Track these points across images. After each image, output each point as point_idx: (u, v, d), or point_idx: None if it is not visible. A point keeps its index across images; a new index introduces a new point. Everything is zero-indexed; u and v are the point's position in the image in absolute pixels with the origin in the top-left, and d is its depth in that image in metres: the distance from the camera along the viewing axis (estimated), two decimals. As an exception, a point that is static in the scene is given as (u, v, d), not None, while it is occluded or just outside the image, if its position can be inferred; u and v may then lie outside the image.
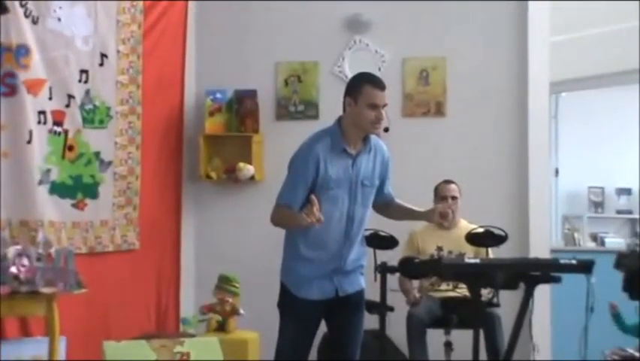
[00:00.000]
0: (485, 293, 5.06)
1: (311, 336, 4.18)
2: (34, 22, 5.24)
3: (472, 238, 5.26)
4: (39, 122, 5.29)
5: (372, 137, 4.17)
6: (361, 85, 4.05)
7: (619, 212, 8.95)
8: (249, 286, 6.02)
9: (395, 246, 4.80)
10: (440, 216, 4.21)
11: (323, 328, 4.30)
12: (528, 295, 4.28)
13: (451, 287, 5.65)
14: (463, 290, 5.35)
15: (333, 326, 4.25)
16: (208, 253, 6.69)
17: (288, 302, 4.17)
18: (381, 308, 4.69)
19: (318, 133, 4.14)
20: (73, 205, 5.57)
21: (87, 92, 5.66)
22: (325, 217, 3.91)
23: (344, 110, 4.11)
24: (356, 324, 4.23)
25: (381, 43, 6.59)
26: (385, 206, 4.34)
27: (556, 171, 8.75)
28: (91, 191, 5.72)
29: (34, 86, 5.23)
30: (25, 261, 4.53)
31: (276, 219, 4.12)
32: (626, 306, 4.88)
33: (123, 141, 5.98)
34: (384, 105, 4.04)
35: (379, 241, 4.68)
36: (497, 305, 5.25)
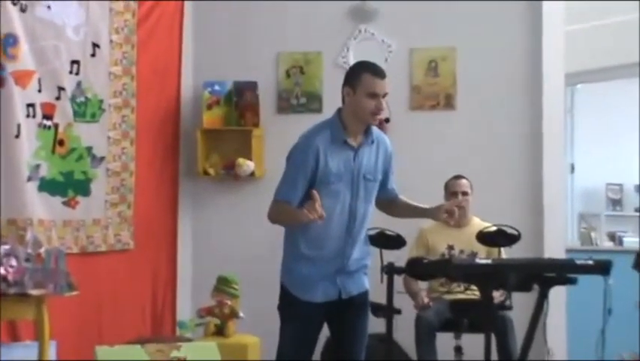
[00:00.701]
0: (497, 295, 5.07)
1: (313, 340, 4.17)
2: (23, 10, 5.23)
3: (484, 237, 5.26)
4: (28, 116, 5.28)
5: (374, 129, 4.16)
6: (360, 73, 4.05)
7: (638, 210, 8.92)
8: (248, 287, 6.02)
9: (402, 246, 4.81)
10: (447, 214, 4.16)
11: (326, 331, 4.29)
12: (542, 298, 4.27)
13: (461, 289, 5.64)
14: (474, 292, 5.34)
15: (336, 329, 4.23)
16: (206, 253, 6.68)
17: (289, 305, 4.16)
18: (387, 311, 4.69)
19: (317, 125, 4.14)
20: (64, 203, 5.57)
21: (78, 84, 5.65)
22: (326, 213, 3.89)
23: (343, 101, 4.11)
24: (360, 327, 4.21)
25: (388, 32, 6.57)
26: (389, 203, 4.32)
27: (572, 167, 8.73)
28: (82, 188, 5.71)
29: (22, 78, 5.22)
30: (14, 261, 4.52)
31: (274, 216, 4.12)
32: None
33: (116, 136, 5.97)
34: (385, 95, 4.03)
35: (386, 241, 4.69)
36: (510, 308, 5.26)
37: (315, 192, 3.87)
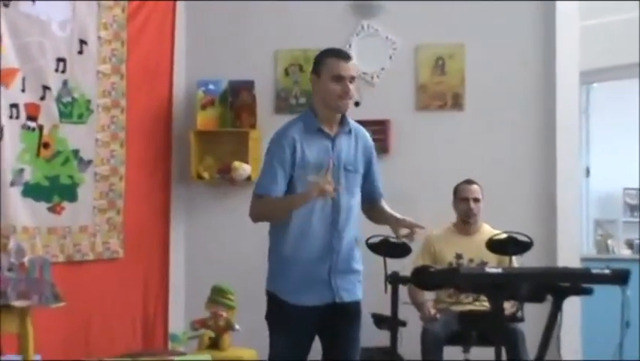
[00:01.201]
0: (508, 307, 5.05)
1: (306, 348, 4.15)
2: (6, 5, 5.22)
3: (494, 245, 5.25)
4: (11, 117, 5.27)
5: (352, 121, 4.21)
6: (323, 58, 4.16)
7: (657, 216, 8.92)
8: (244, 298, 6.00)
9: (407, 254, 4.79)
10: (407, 230, 4.13)
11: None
12: (556, 309, 4.25)
13: (470, 300, 5.63)
14: (483, 303, 5.33)
15: (328, 340, 4.21)
16: (200, 262, 6.67)
17: (279, 310, 4.15)
18: (392, 323, 4.68)
19: (291, 120, 4.25)
20: (49, 209, 5.56)
21: (65, 83, 5.65)
22: (307, 206, 3.98)
23: (313, 91, 4.21)
24: (353, 336, 4.21)
25: (393, 28, 6.57)
26: (371, 206, 4.34)
27: (587, 171, 8.72)
28: (69, 193, 5.71)
29: (5, 77, 5.22)
30: (-5, 271, 4.52)
31: (258, 212, 4.15)
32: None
33: (105, 138, 5.97)
34: (352, 78, 4.10)
35: (390, 249, 4.67)
36: (521, 320, 5.24)
37: (331, 162, 3.97)
